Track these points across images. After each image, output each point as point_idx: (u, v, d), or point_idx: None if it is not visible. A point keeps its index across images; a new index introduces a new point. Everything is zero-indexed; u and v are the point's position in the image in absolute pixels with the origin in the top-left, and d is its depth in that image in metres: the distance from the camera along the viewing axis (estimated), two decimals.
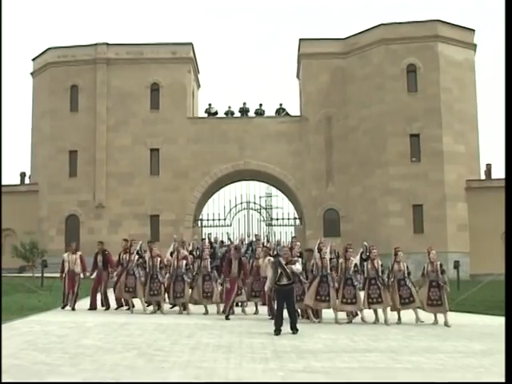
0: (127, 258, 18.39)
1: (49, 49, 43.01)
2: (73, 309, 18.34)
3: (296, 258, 15.15)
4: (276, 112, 42.49)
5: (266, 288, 15.74)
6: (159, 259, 18.12)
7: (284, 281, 14.08)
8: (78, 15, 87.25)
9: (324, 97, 41.08)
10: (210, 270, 18.08)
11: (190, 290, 18.29)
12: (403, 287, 16.17)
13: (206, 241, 26.02)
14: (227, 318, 16.30)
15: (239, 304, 18.69)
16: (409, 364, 10.11)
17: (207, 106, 43.26)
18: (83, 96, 41.77)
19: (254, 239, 28.67)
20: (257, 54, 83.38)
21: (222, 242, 28.16)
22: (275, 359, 10.40)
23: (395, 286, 16.19)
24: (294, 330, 13.65)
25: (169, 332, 13.80)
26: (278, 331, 13.47)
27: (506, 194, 12.48)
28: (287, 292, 14.13)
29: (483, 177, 40.23)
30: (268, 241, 31.85)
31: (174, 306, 18.74)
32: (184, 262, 18.11)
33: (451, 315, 16.34)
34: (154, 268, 17.91)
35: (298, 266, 14.64)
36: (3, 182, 43.24)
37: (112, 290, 19.25)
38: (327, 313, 16.33)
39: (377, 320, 16.06)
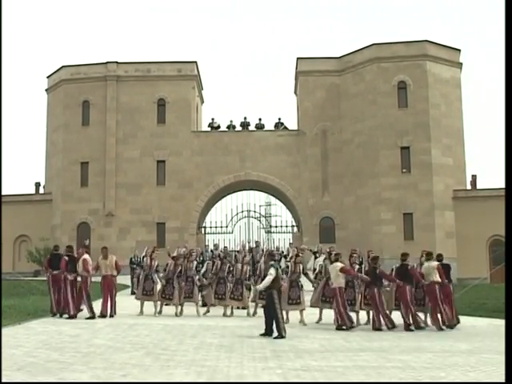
0: (148, 263, 18.36)
1: (62, 67, 43.08)
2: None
3: (272, 263, 14.60)
4: (275, 126, 42.49)
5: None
6: (180, 268, 18.12)
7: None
8: (89, 35, 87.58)
9: (320, 112, 41.10)
10: (226, 274, 18.10)
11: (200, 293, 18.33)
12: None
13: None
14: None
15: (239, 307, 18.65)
16: (399, 363, 10.11)
17: (210, 121, 43.27)
18: (94, 111, 41.80)
19: (254, 245, 28.74)
20: (257, 71, 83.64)
21: (225, 247, 28.16)
22: (274, 358, 10.41)
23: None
24: (276, 334, 13.14)
25: (174, 332, 13.81)
26: (265, 334, 13.32)
27: (506, 197, 12.45)
28: (266, 297, 13.88)
29: (469, 187, 40.19)
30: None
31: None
32: (194, 263, 18.17)
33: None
34: (171, 273, 17.95)
35: (271, 271, 14.00)
36: (20, 192, 43.47)
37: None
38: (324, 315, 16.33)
39: (368, 321, 16.01)
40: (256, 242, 32.24)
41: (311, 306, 16.62)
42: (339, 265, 15.32)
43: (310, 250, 24.72)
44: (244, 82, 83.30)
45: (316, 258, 24.22)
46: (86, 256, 17.48)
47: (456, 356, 10.91)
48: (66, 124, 41.96)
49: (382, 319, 15.02)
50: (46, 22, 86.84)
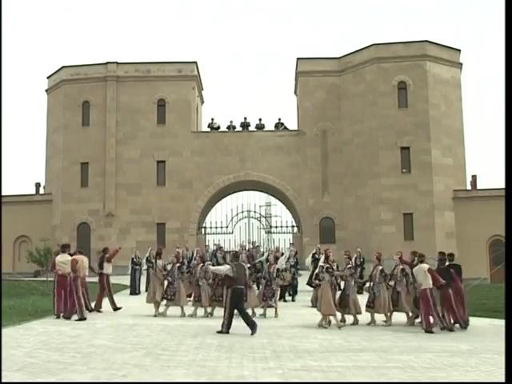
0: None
1: (63, 67, 43.08)
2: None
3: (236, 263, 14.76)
4: (275, 126, 42.47)
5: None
6: (178, 265, 18.14)
7: None
8: (89, 36, 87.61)
9: (320, 112, 41.10)
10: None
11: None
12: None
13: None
14: None
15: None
16: (399, 363, 10.11)
17: (210, 121, 43.29)
18: (94, 111, 41.78)
19: (252, 246, 28.80)
20: (257, 71, 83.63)
21: (221, 247, 28.15)
22: (274, 358, 10.42)
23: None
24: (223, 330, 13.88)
25: (174, 333, 13.80)
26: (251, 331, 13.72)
27: (506, 197, 12.42)
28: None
29: (469, 187, 40.17)
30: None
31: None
32: (199, 267, 18.06)
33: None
34: (172, 274, 17.93)
35: (226, 265, 14.68)
36: (20, 192, 43.47)
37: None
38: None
39: (373, 322, 15.97)
40: (253, 242, 32.31)
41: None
42: (426, 266, 14.98)
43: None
44: (244, 82, 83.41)
45: (316, 259, 24.25)
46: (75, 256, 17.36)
47: (456, 356, 10.91)
48: (66, 124, 41.95)
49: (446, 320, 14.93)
50: (47, 22, 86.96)
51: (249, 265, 18.30)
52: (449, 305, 15.01)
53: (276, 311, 17.71)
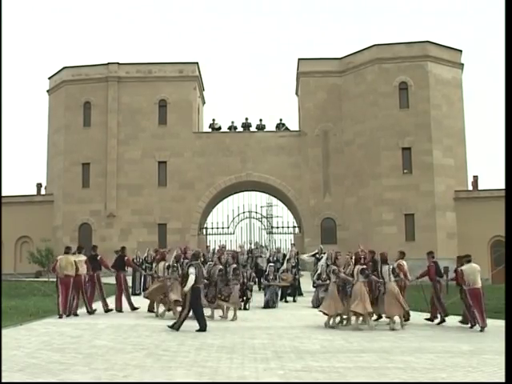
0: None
1: (64, 68, 43.08)
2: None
3: (193, 263, 14.91)
4: (276, 127, 42.45)
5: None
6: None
7: None
8: (91, 36, 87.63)
9: (321, 113, 41.08)
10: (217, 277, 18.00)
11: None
12: None
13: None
14: None
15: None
16: (401, 364, 10.11)
17: (211, 122, 43.29)
18: (96, 112, 41.78)
19: (254, 247, 28.77)
20: (258, 72, 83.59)
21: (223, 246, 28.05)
22: (275, 359, 10.41)
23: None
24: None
25: (175, 333, 13.80)
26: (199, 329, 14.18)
27: (506, 198, 12.45)
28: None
29: (470, 188, 40.15)
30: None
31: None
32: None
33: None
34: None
35: (191, 270, 14.60)
36: (21, 193, 43.47)
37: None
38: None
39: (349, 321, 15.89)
40: (256, 243, 32.31)
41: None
42: (477, 266, 15.41)
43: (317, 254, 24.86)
44: (245, 82, 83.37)
45: (317, 259, 24.27)
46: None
47: (458, 357, 10.90)
48: (68, 125, 41.95)
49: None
50: (48, 23, 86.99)
51: (250, 271, 18.29)
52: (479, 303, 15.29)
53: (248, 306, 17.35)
